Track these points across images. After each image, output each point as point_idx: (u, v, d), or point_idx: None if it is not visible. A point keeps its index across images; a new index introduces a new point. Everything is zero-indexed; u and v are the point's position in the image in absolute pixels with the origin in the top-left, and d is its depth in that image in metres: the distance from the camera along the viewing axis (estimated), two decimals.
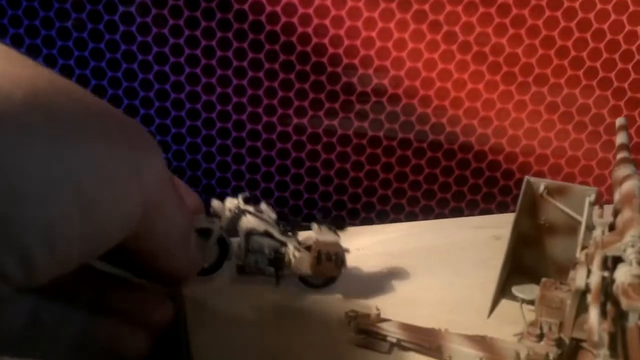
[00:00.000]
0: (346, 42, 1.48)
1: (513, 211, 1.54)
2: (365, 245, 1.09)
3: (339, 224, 1.08)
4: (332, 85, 1.52)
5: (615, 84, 1.52)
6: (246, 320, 1.06)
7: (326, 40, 1.48)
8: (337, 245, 1.08)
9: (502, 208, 1.62)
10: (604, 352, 0.73)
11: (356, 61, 1.49)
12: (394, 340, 1.00)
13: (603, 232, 0.85)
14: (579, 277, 0.81)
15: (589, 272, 0.80)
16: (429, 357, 0.99)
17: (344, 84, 1.51)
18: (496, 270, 1.00)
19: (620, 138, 1.10)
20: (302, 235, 1.09)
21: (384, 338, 1.01)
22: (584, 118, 1.55)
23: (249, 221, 1.06)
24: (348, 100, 1.52)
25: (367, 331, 1.01)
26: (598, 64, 1.50)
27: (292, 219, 1.09)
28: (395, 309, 1.05)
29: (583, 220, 0.90)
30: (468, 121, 1.54)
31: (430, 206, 1.62)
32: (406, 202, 1.62)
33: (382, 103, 1.52)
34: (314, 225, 1.09)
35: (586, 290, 0.80)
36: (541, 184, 0.94)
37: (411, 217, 1.62)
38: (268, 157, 1.58)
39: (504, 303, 1.02)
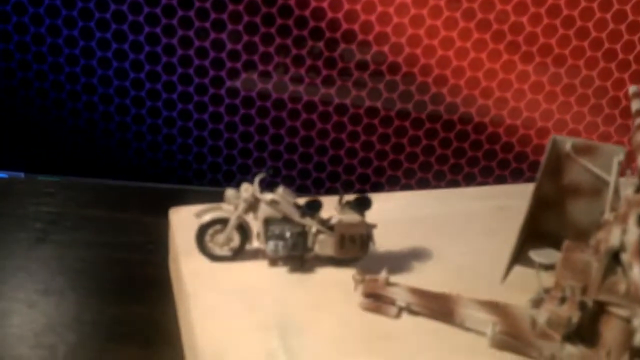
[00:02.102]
0: (346, 6, 1.43)
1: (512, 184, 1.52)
2: (368, 214, 1.05)
3: (363, 203, 1.04)
4: (330, 52, 1.47)
5: (621, 56, 1.48)
6: (249, 285, 1.02)
7: (325, 4, 1.43)
8: (360, 226, 1.04)
9: (500, 182, 1.58)
10: None
11: (356, 27, 1.44)
12: (403, 305, 0.96)
13: (636, 191, 0.81)
14: (613, 236, 0.77)
15: (624, 231, 0.77)
16: (440, 322, 0.95)
17: (342, 51, 1.46)
18: (503, 239, 0.96)
19: (635, 105, 1.07)
20: (325, 213, 1.04)
21: (392, 302, 0.97)
22: (587, 90, 1.51)
23: (264, 210, 1.03)
24: (346, 67, 1.47)
25: (375, 295, 0.97)
26: (604, 35, 1.46)
27: (315, 200, 1.05)
28: (401, 277, 1.02)
29: (612, 180, 0.86)
30: (469, 91, 1.50)
31: (427, 179, 1.58)
32: (402, 174, 1.58)
33: (382, 71, 1.48)
34: (337, 205, 1.04)
35: (621, 249, 0.76)
36: (568, 143, 0.89)
37: (406, 189, 1.57)
38: (261, 126, 1.53)
39: (515, 270, 0.98)
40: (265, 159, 1.55)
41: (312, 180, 1.57)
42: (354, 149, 1.55)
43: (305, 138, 1.54)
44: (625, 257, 0.75)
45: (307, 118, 1.52)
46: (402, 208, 1.26)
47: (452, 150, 1.56)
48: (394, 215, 1.21)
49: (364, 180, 1.57)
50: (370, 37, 1.45)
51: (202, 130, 1.52)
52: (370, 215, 1.05)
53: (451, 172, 1.58)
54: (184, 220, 1.10)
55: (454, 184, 1.59)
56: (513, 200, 1.06)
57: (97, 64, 1.47)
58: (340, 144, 1.55)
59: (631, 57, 1.48)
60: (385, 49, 1.46)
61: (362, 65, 1.47)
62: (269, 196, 1.02)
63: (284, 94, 1.50)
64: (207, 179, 1.55)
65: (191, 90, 1.49)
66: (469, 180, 1.59)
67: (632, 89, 1.10)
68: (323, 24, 1.44)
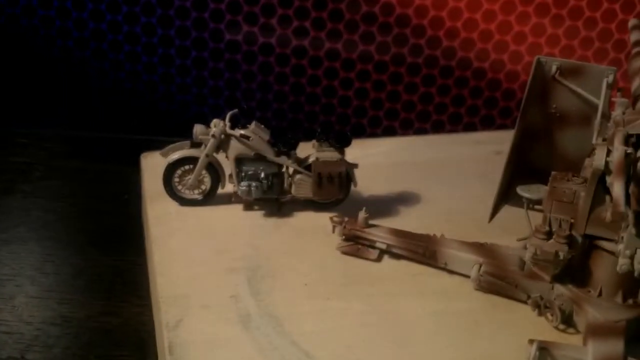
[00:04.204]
0: None
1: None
2: (357, 157, 0.99)
3: (342, 140, 0.98)
4: (335, 3, 1.40)
5: None
6: (219, 229, 0.97)
7: None
8: (339, 164, 0.98)
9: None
10: (630, 229, 0.63)
11: None
12: (384, 247, 0.91)
13: (623, 112, 0.75)
14: (598, 157, 0.71)
15: (609, 152, 0.70)
16: (422, 264, 0.90)
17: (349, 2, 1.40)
18: (496, 183, 0.90)
19: (634, 36, 1.02)
20: (303, 152, 0.99)
21: (372, 244, 0.91)
22: (590, 33, 1.43)
23: (236, 147, 0.96)
24: (337, 9, 1.40)
25: (354, 237, 0.92)
26: None
27: (290, 136, 0.99)
28: (385, 220, 0.97)
29: (601, 103, 0.79)
30: (467, 34, 1.42)
31: (425, 129, 1.51)
32: (399, 124, 1.51)
33: (374, 14, 1.40)
34: (314, 142, 0.98)
35: (606, 171, 0.70)
36: (553, 64, 0.82)
37: None
38: (265, 83, 1.47)
39: (506, 212, 0.92)
40: (254, 109, 1.48)
41: (303, 132, 1.50)
42: (347, 97, 1.48)
43: (295, 85, 1.47)
44: (609, 179, 0.68)
45: (296, 64, 1.45)
46: (394, 152, 1.22)
47: (450, 98, 1.49)
48: (383, 159, 1.18)
49: (359, 131, 1.50)
50: None
51: (185, 77, 1.46)
52: (360, 160, 1.00)
53: (450, 122, 1.51)
54: (155, 166, 1.05)
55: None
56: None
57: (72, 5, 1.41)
58: (333, 92, 1.47)
59: None
60: None
61: (353, 7, 1.40)
62: (239, 131, 0.96)
63: (271, 38, 1.42)
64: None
65: (172, 33, 1.43)
66: (470, 131, 1.51)
67: (631, 22, 1.06)
68: None
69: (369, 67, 1.46)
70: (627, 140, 0.69)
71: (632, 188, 0.67)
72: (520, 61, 1.46)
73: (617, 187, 0.62)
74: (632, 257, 0.66)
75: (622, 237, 0.67)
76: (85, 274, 0.99)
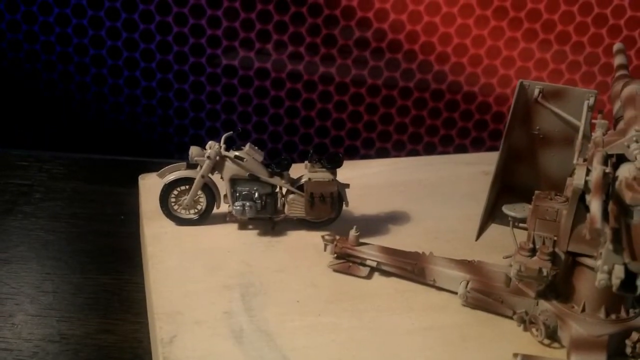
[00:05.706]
0: None
1: None
2: (349, 178, 1.02)
3: (333, 161, 1.01)
4: (329, 29, 1.43)
5: (611, 21, 1.43)
6: (213, 248, 0.99)
7: None
8: (331, 184, 1.00)
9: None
10: (608, 245, 0.65)
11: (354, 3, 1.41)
12: (374, 264, 0.93)
13: (604, 134, 0.77)
14: (577, 177, 0.73)
15: (588, 171, 0.73)
16: (412, 281, 0.92)
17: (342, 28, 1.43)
18: (484, 202, 0.92)
19: (618, 60, 1.05)
20: (296, 173, 1.02)
21: (363, 262, 0.93)
22: (578, 57, 1.46)
23: (231, 168, 0.99)
24: (331, 35, 1.43)
25: (346, 255, 0.94)
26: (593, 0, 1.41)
27: (283, 157, 1.01)
28: (376, 239, 0.99)
29: (582, 124, 0.81)
30: (457, 59, 1.45)
31: (417, 151, 1.54)
32: (391, 146, 1.54)
33: (367, 39, 1.43)
34: (306, 163, 1.01)
35: (585, 190, 0.72)
36: (536, 88, 0.85)
37: None
38: (260, 106, 1.50)
39: (493, 231, 0.94)
40: (266, 141, 1.51)
41: (298, 154, 1.52)
42: (341, 120, 1.51)
43: (290, 108, 1.50)
44: (588, 197, 0.71)
45: (291, 87, 1.48)
46: (386, 173, 1.24)
47: (441, 120, 1.51)
48: (375, 180, 1.20)
49: (352, 152, 1.53)
50: (354, 3, 1.41)
51: (183, 100, 1.48)
52: (352, 181, 1.02)
53: (442, 144, 1.54)
54: (152, 187, 1.07)
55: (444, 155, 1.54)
56: None
57: (73, 31, 1.44)
58: (327, 115, 1.50)
59: (622, 22, 1.43)
60: (371, 14, 1.41)
61: (347, 33, 1.43)
62: (234, 153, 0.99)
63: (267, 62, 1.45)
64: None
65: (170, 59, 1.45)
66: (461, 153, 1.54)
67: (616, 46, 1.08)
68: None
69: (362, 90, 1.49)
70: (606, 161, 0.71)
71: (610, 206, 0.69)
72: (509, 85, 1.48)
73: (593, 205, 0.64)
74: (610, 273, 0.68)
75: (601, 253, 0.68)
76: (83, 292, 1.01)
